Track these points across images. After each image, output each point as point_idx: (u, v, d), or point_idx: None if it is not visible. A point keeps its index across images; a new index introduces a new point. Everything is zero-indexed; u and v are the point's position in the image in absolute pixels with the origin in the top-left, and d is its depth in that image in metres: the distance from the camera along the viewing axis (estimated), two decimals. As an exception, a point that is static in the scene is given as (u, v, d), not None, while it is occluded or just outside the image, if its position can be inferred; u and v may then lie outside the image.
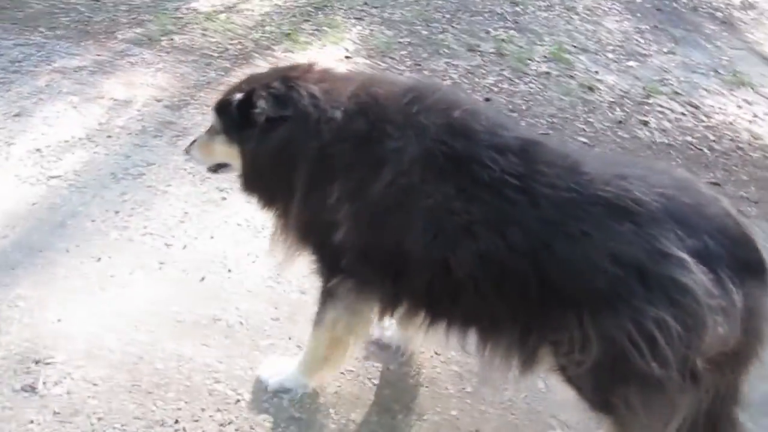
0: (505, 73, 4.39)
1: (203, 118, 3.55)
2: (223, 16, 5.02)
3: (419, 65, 4.44)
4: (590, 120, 3.91)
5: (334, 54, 4.51)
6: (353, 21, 5.04)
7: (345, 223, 1.90)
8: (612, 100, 4.13)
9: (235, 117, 2.07)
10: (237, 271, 2.70)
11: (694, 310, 1.53)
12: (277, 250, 2.17)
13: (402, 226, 1.83)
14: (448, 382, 2.30)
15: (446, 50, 4.67)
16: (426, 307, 1.93)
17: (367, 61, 4.44)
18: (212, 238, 2.87)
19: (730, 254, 1.59)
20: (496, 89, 4.19)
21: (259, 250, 2.76)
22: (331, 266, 2.01)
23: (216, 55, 4.43)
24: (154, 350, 2.36)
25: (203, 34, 4.73)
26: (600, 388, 1.76)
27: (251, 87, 2.05)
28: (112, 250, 2.76)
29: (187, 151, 2.38)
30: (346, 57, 4.50)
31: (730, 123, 3.95)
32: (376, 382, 2.29)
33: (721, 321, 1.53)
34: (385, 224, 1.86)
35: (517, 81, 4.30)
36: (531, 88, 4.22)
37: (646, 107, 4.07)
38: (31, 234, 2.84)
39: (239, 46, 4.57)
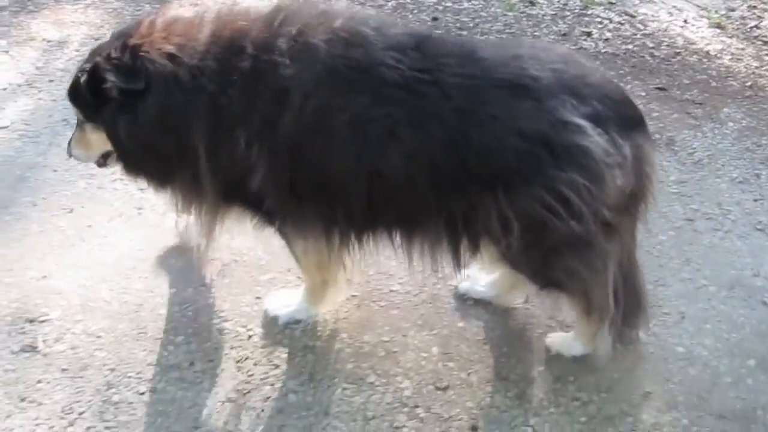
0: (446, -9, 4.33)
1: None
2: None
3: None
4: (537, 34, 3.92)
5: None
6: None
7: (261, 165, 1.82)
8: (553, 13, 4.15)
9: (89, 99, 1.90)
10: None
11: (596, 169, 1.67)
12: (196, 227, 2.12)
13: (324, 149, 1.80)
14: (449, 297, 2.36)
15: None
16: (368, 221, 1.94)
17: None
18: (187, 178, 2.77)
19: (616, 115, 1.74)
20: (440, 8, 4.12)
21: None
22: (265, 212, 1.97)
23: None
24: (152, 296, 2.30)
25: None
26: (538, 265, 1.89)
27: (94, 62, 1.87)
28: (84, 200, 2.64)
29: (69, 154, 2.17)
30: None
31: (665, 30, 4.06)
32: (383, 304, 2.33)
33: (618, 174, 1.70)
34: (306, 152, 1.81)
35: (459, -1, 4.25)
36: (474, 5, 4.16)
37: (586, 18, 4.12)
38: (-10, 190, 2.65)
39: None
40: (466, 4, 4.18)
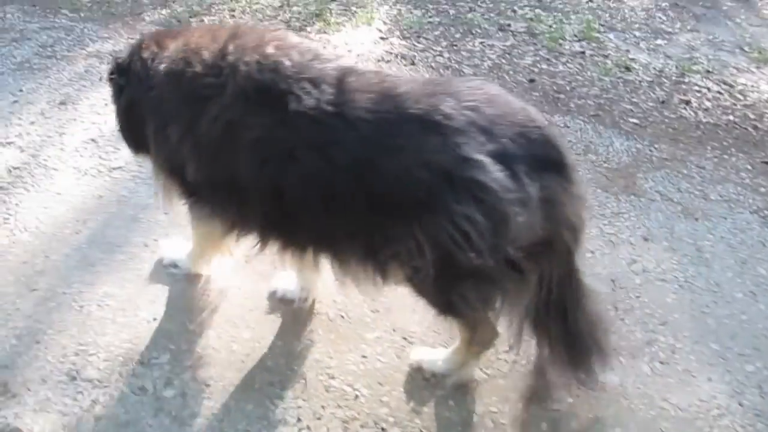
0: (541, 53, 4.33)
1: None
2: (245, -6, 4.85)
3: (455, 45, 4.35)
4: (635, 100, 3.87)
5: (368, 35, 4.39)
6: (379, 0, 4.91)
7: (189, 158, 2.06)
8: (650, 79, 4.09)
9: (111, 87, 2.37)
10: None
11: (494, 204, 1.69)
12: (159, 190, 2.36)
13: (232, 159, 1.95)
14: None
15: (478, 30, 4.57)
16: (274, 233, 2.06)
17: (403, 42, 4.33)
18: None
19: (528, 154, 1.75)
20: (536, 70, 4.12)
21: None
22: (188, 193, 2.20)
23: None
24: (259, 347, 2.29)
25: (231, 15, 4.57)
26: (440, 290, 1.91)
27: (114, 60, 2.34)
28: (193, 245, 2.66)
29: None
30: (381, 38, 4.38)
31: (766, 101, 3.96)
32: (490, 372, 2.26)
33: (520, 211, 1.70)
34: (217, 158, 1.99)
35: (554, 61, 4.23)
36: (569, 68, 4.16)
37: (684, 86, 4.04)
38: (105, 229, 2.72)
39: (271, 29, 4.42)
40: (561, 67, 4.17)
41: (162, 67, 2.10)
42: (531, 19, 4.80)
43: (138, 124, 2.21)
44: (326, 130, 1.83)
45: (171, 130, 2.06)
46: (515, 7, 4.97)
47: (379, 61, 4.06)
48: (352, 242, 1.93)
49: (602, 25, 4.78)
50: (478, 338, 2.08)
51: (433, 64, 4.07)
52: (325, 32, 4.39)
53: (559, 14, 4.87)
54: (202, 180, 2.08)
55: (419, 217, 1.76)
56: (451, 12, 4.85)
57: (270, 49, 1.98)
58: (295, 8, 4.72)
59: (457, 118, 1.76)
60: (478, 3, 5.00)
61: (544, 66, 4.18)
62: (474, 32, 4.56)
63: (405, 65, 4.04)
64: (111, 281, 2.49)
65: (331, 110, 1.84)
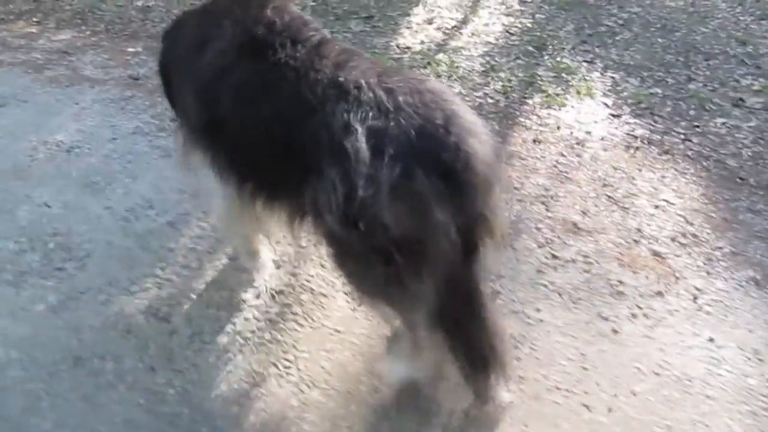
0: (796, 138, 3.72)
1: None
2: (443, 57, 4.34)
3: (696, 126, 3.77)
4: None
5: (597, 111, 3.83)
6: (585, 64, 4.35)
7: (191, 103, 2.24)
8: None
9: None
10: None
11: (347, 169, 1.71)
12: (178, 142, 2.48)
13: (218, 97, 2.11)
14: None
15: (711, 106, 3.98)
16: (247, 177, 2.16)
17: (638, 121, 3.77)
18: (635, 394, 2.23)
19: (413, 145, 1.71)
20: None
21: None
22: (192, 141, 2.34)
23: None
24: None
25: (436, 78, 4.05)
26: (334, 259, 1.97)
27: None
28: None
29: None
30: (612, 115, 3.82)
31: None
32: None
33: (365, 186, 1.67)
34: (209, 96, 2.15)
35: (818, 150, 3.62)
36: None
37: None
38: (411, 388, 2.20)
39: (490, 100, 3.89)
40: None
41: (186, 28, 2.40)
42: (759, 92, 4.19)
43: (168, 81, 2.48)
44: (280, 83, 2.00)
45: (182, 78, 2.31)
46: (735, 76, 4.37)
47: (628, 148, 3.50)
48: (288, 186, 2.01)
49: None
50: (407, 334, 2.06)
51: (689, 153, 3.49)
52: (550, 107, 3.84)
53: (789, 85, 4.25)
54: (201, 122, 2.24)
55: (314, 175, 1.83)
56: (669, 81, 4.26)
57: (269, 10, 2.19)
58: (501, 74, 4.19)
59: (364, 93, 1.82)
60: (693, 70, 4.41)
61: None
62: (707, 108, 3.97)
63: (659, 154, 3.47)
64: None
65: (293, 66, 2.00)
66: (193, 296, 2.52)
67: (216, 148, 2.21)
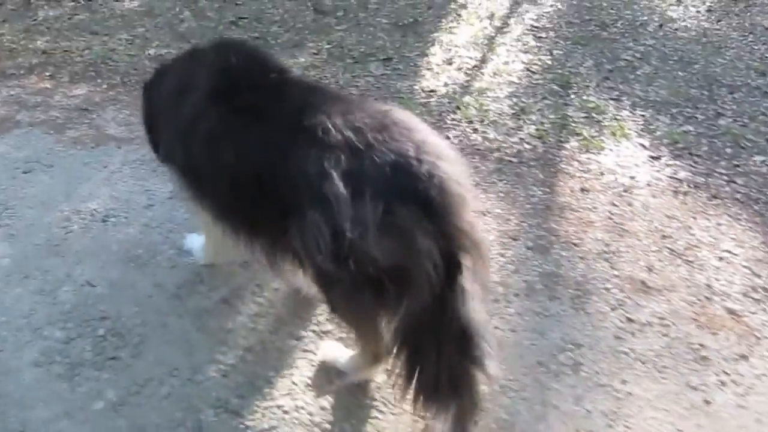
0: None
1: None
2: (470, 100, 4.24)
3: (737, 166, 3.71)
4: None
5: (636, 154, 3.76)
6: (612, 102, 4.28)
7: (177, 148, 2.35)
8: None
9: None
10: None
11: (332, 216, 1.78)
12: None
13: (192, 144, 2.22)
14: None
15: (746, 142, 3.93)
16: (224, 217, 2.27)
17: (679, 163, 3.69)
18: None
19: (389, 181, 1.79)
20: None
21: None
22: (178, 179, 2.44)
23: (510, 159, 3.66)
24: None
25: (471, 129, 3.95)
26: (320, 289, 2.04)
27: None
28: None
29: None
30: (652, 157, 3.75)
31: None
32: None
33: (353, 227, 1.75)
34: (186, 143, 2.26)
35: None
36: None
37: None
38: None
39: (528, 146, 3.80)
40: None
41: (167, 78, 2.52)
42: (789, 125, 4.15)
43: (154, 127, 2.60)
44: (247, 127, 2.07)
45: (164, 121, 2.46)
46: (762, 109, 4.33)
47: (676, 193, 3.42)
48: (265, 228, 2.11)
49: None
50: (366, 348, 2.18)
51: (737, 197, 3.42)
52: (588, 151, 3.76)
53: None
54: (181, 167, 2.38)
55: (293, 218, 1.91)
56: (699, 117, 4.21)
57: (233, 60, 2.27)
58: (532, 116, 4.10)
59: (333, 135, 1.88)
60: (719, 104, 4.37)
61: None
62: (743, 145, 3.92)
63: (708, 199, 3.39)
64: None
65: (256, 111, 2.08)
66: (262, 384, 2.37)
67: (195, 190, 2.36)
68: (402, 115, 1.99)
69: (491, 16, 5.51)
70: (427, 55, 4.89)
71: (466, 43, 5.07)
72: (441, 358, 1.91)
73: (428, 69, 4.69)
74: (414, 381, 1.96)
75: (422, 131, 1.94)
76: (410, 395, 1.99)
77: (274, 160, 1.95)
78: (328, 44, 5.07)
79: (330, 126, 1.90)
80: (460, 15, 5.56)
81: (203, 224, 2.62)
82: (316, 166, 1.84)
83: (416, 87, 4.45)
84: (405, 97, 4.29)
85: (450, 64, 4.79)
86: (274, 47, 5.02)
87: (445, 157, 1.88)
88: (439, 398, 1.95)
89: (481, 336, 1.92)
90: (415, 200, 1.78)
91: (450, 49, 4.98)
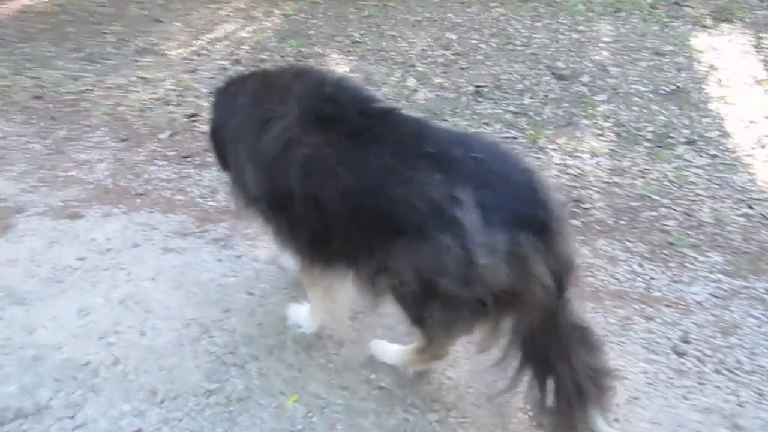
0: None
1: None
2: None
3: None
4: None
5: None
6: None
7: (250, 174, 2.31)
8: None
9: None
10: None
11: (465, 241, 1.85)
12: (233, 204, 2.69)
13: (285, 170, 2.16)
14: None
15: None
16: (311, 241, 2.24)
17: None
18: None
19: (511, 209, 1.90)
20: None
21: None
22: (250, 206, 2.44)
23: None
24: None
25: None
26: (415, 305, 2.09)
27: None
28: None
29: None
30: None
31: None
32: None
33: (484, 254, 1.84)
34: (273, 169, 2.21)
35: None
36: None
37: None
38: None
39: None
40: None
41: (240, 99, 2.43)
42: None
43: (221, 146, 2.57)
44: (362, 153, 2.04)
45: (240, 149, 2.36)
46: None
47: None
48: (363, 255, 2.10)
49: None
50: (429, 351, 2.31)
51: None
52: None
53: None
54: (259, 193, 2.32)
55: (412, 239, 1.93)
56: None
57: (328, 87, 2.29)
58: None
59: (460, 163, 1.95)
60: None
61: None
62: None
63: None
64: None
65: (369, 137, 2.07)
66: None
67: (279, 217, 2.30)
68: (507, 148, 2.16)
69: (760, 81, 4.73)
70: (729, 135, 4.09)
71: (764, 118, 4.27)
72: (571, 367, 2.02)
73: (747, 155, 3.89)
74: (549, 391, 2.06)
75: (527, 163, 2.11)
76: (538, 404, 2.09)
77: (392, 185, 1.96)
78: (605, 121, 4.29)
79: (454, 154, 1.97)
80: (719, 80, 4.78)
81: (302, 277, 2.50)
82: (443, 191, 1.90)
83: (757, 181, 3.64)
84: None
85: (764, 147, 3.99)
86: (543, 124, 4.24)
87: (550, 189, 2.01)
88: (578, 403, 2.04)
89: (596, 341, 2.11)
90: (535, 229, 1.89)
91: (747, 126, 4.19)
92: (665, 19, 5.99)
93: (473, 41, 5.64)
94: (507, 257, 1.84)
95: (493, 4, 6.54)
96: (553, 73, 4.98)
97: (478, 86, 4.79)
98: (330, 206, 2.07)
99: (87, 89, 4.94)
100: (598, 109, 4.43)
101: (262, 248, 3.14)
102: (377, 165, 1.99)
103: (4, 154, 4.12)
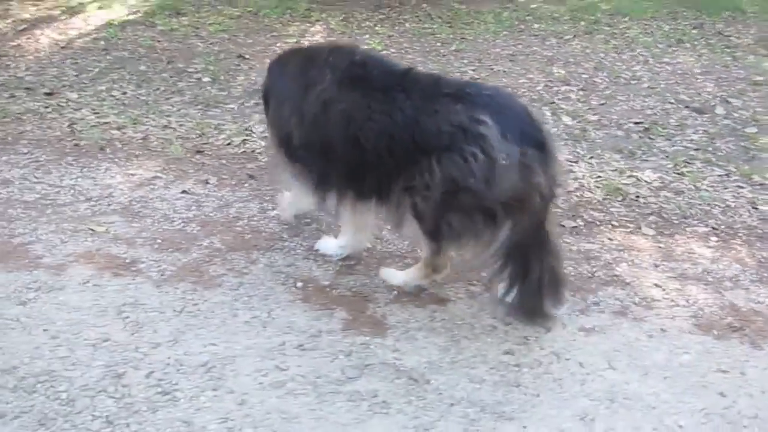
0: None
1: None
2: None
3: None
4: None
5: None
6: None
7: (294, 129, 2.77)
8: None
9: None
10: None
11: (489, 149, 2.38)
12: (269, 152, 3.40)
13: (326, 123, 2.66)
14: None
15: None
16: (347, 178, 2.69)
17: None
18: None
19: (519, 130, 2.43)
20: None
21: None
22: (289, 158, 2.88)
23: None
24: None
25: None
26: (435, 215, 2.49)
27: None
28: None
29: None
30: None
31: None
32: None
33: (504, 158, 2.37)
34: (317, 125, 2.69)
35: None
36: None
37: None
38: None
39: None
40: None
41: (289, 68, 2.94)
42: None
43: (270, 104, 2.99)
44: (393, 100, 2.55)
45: (285, 108, 2.83)
46: None
47: None
48: (393, 181, 2.57)
49: None
50: (433, 263, 2.70)
51: None
52: None
53: None
54: (301, 144, 2.76)
55: (439, 155, 2.42)
56: None
57: (357, 57, 2.79)
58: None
59: (477, 95, 2.52)
60: None
61: None
62: None
63: None
64: None
65: (397, 88, 2.57)
66: None
67: (319, 162, 2.74)
68: (504, 89, 2.82)
69: None
70: None
71: None
72: (544, 264, 2.57)
73: None
74: (522, 280, 2.57)
75: (519, 101, 2.80)
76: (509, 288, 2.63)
77: (420, 116, 2.48)
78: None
79: (469, 91, 2.54)
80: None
81: (337, 209, 2.89)
82: (466, 116, 2.43)
83: None
84: None
85: None
86: (731, 159, 4.31)
87: (538, 119, 2.65)
88: (543, 291, 2.59)
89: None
90: (537, 146, 2.44)
91: None
92: (728, 49, 6.34)
93: (584, 75, 5.64)
94: (518, 166, 2.37)
95: (567, 37, 6.60)
96: (687, 107, 5.09)
97: (637, 122, 4.79)
98: (368, 144, 2.56)
99: (242, 139, 4.34)
100: (761, 141, 4.58)
101: None
102: (407, 106, 2.51)
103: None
